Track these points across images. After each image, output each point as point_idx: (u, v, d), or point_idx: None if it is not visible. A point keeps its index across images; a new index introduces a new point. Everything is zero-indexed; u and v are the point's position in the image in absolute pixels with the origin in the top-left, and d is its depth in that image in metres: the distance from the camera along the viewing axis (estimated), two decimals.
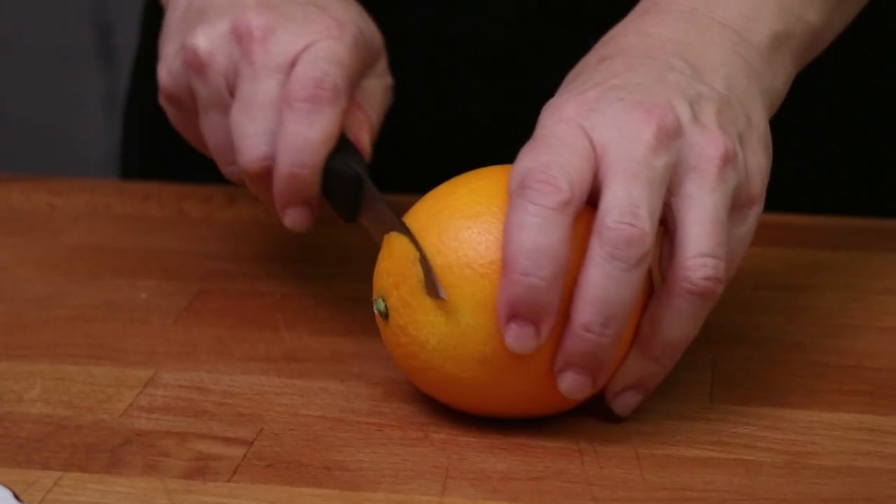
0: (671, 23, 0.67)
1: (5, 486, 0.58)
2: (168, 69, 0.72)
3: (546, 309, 0.60)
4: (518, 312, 0.60)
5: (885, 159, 0.90)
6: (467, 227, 0.62)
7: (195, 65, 0.70)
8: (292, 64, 0.69)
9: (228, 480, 0.60)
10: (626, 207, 0.60)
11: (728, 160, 0.62)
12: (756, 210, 0.64)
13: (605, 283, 0.59)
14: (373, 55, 0.73)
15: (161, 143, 0.96)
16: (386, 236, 0.65)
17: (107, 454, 0.62)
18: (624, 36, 0.67)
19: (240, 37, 0.69)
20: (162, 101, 0.74)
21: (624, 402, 0.64)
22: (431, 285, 0.62)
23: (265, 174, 0.69)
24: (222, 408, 0.65)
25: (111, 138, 1.95)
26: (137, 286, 0.77)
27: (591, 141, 0.61)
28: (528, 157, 0.61)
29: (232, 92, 0.70)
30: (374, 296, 0.65)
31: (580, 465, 0.61)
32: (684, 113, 0.62)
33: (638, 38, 0.66)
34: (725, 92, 0.65)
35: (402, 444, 0.63)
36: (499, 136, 0.89)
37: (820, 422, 0.65)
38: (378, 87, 0.74)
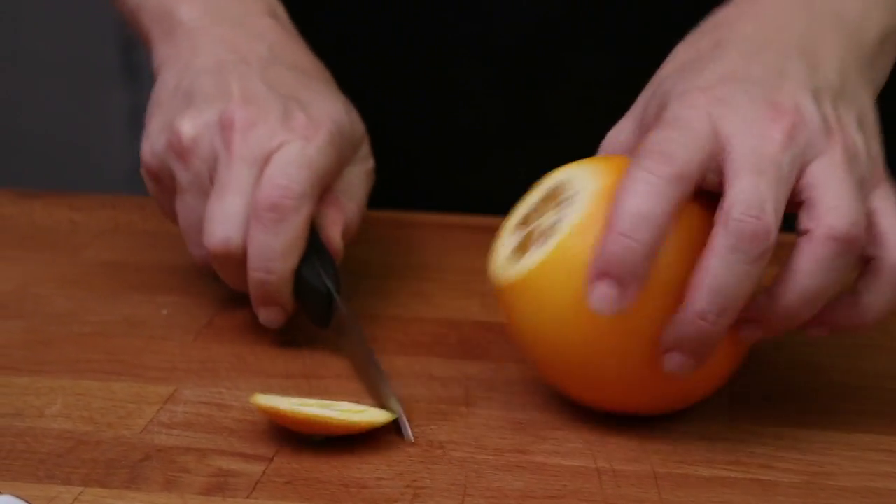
0: (787, 11, 0.67)
1: (26, 501, 0.58)
2: (151, 147, 0.75)
3: (635, 273, 0.60)
4: (608, 271, 0.60)
5: None
6: None
7: (178, 149, 0.73)
8: (266, 159, 0.71)
9: (248, 497, 0.60)
10: (753, 201, 0.60)
11: (852, 151, 0.63)
12: (886, 188, 0.64)
13: (725, 273, 0.60)
14: (353, 146, 0.76)
15: None
16: None
17: (127, 470, 0.62)
18: (739, 19, 0.67)
19: (223, 127, 0.72)
20: (143, 172, 0.76)
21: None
22: (402, 427, 0.65)
23: (227, 257, 0.71)
24: (242, 424, 0.65)
25: (134, 154, 1.95)
26: (158, 302, 0.78)
27: (716, 130, 0.62)
28: (655, 133, 0.62)
29: (212, 181, 0.73)
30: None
31: (598, 484, 0.61)
32: (809, 109, 0.63)
33: (753, 25, 0.67)
34: (839, 82, 0.65)
35: (421, 461, 0.63)
36: (506, 143, 0.89)
37: (838, 442, 0.65)
38: (359, 173, 0.76)
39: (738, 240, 0.60)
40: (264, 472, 0.62)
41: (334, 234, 0.73)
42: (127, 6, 0.82)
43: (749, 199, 0.60)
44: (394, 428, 0.65)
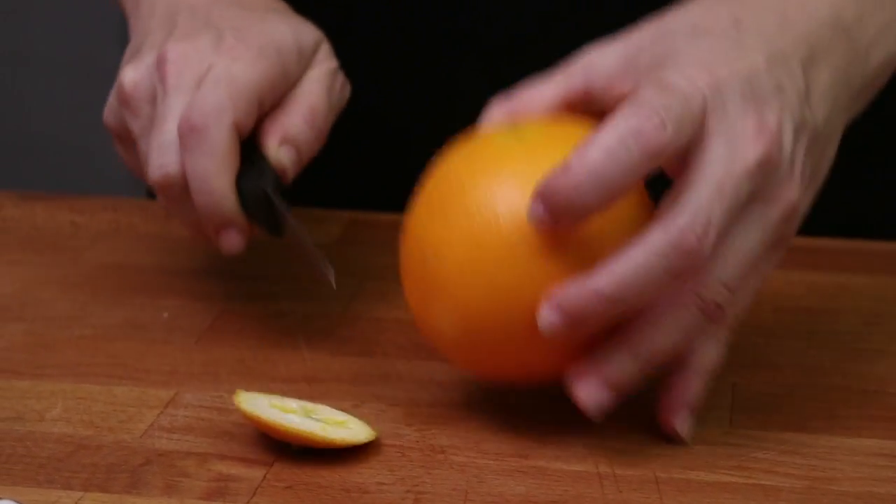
0: (811, 18, 0.66)
1: None
2: (108, 107, 0.75)
3: (571, 216, 0.60)
4: (546, 199, 0.59)
5: None
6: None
7: (123, 98, 0.73)
8: (198, 85, 0.71)
9: (248, 502, 0.60)
10: (703, 219, 0.59)
11: (794, 212, 0.63)
12: (780, 256, 0.64)
13: (640, 270, 0.59)
14: (300, 55, 0.74)
15: None
16: None
17: (127, 474, 0.62)
18: (764, 5, 0.66)
19: (158, 65, 0.72)
20: (113, 142, 0.77)
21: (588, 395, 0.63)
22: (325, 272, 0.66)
23: (169, 187, 0.71)
24: (243, 429, 0.65)
25: None
26: (159, 306, 0.78)
27: (704, 119, 0.61)
28: (651, 91, 0.61)
29: None
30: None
31: (599, 489, 0.61)
32: (787, 144, 0.62)
33: (775, 19, 0.65)
34: (822, 126, 0.65)
35: (422, 466, 0.63)
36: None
37: (841, 447, 0.65)
38: (317, 76, 0.75)
39: (671, 248, 0.59)
40: (265, 476, 0.62)
41: (270, 143, 0.72)
42: None
43: (699, 215, 0.59)
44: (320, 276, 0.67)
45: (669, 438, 0.64)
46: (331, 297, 0.79)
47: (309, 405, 0.65)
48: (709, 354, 0.64)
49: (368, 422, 0.65)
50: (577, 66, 0.66)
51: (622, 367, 0.62)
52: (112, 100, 0.75)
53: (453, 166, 0.65)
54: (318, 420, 0.63)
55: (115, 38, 1.92)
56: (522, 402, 0.68)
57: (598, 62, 0.65)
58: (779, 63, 0.64)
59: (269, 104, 0.73)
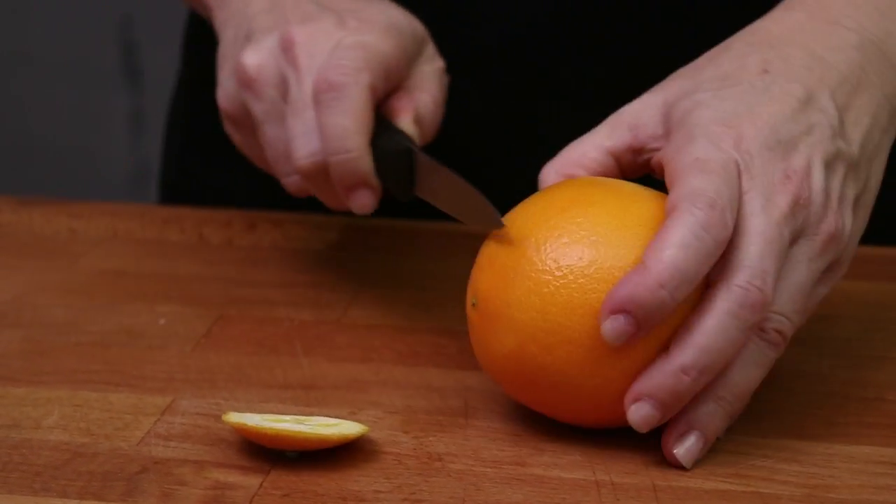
0: (839, 47, 0.67)
1: None
2: (224, 91, 0.76)
3: (654, 322, 0.61)
4: (630, 310, 0.61)
5: None
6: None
7: (246, 81, 0.73)
8: None
9: None
10: (758, 271, 0.61)
11: (835, 239, 0.64)
12: (838, 277, 0.66)
13: (718, 335, 0.61)
14: (415, 42, 0.76)
15: (203, 167, 0.97)
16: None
17: (123, 482, 0.62)
18: (790, 42, 0.67)
19: (285, 48, 0.73)
20: (225, 124, 0.77)
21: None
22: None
23: (317, 171, 0.72)
24: (239, 436, 0.65)
25: (135, 157, 1.95)
26: (156, 312, 0.78)
27: (739, 180, 0.63)
28: (697, 177, 0.62)
29: (285, 99, 0.73)
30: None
31: (597, 496, 0.61)
32: (817, 182, 0.64)
33: (803, 56, 0.67)
34: (858, 153, 0.66)
35: (419, 473, 0.63)
36: (502, 153, 0.89)
37: (839, 455, 0.65)
38: (430, 71, 0.76)
39: (739, 306, 0.61)
40: (261, 484, 0.62)
41: (405, 116, 0.73)
42: None
43: (755, 269, 0.61)
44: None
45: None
46: (328, 303, 0.79)
47: (300, 417, 0.65)
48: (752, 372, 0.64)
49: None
50: (623, 122, 0.68)
51: (711, 414, 0.63)
52: (229, 84, 0.75)
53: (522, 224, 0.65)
54: (310, 425, 0.63)
55: (112, 40, 1.93)
56: (520, 409, 0.67)
57: (640, 119, 0.67)
58: (807, 104, 0.65)
59: (395, 80, 0.74)
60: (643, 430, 0.62)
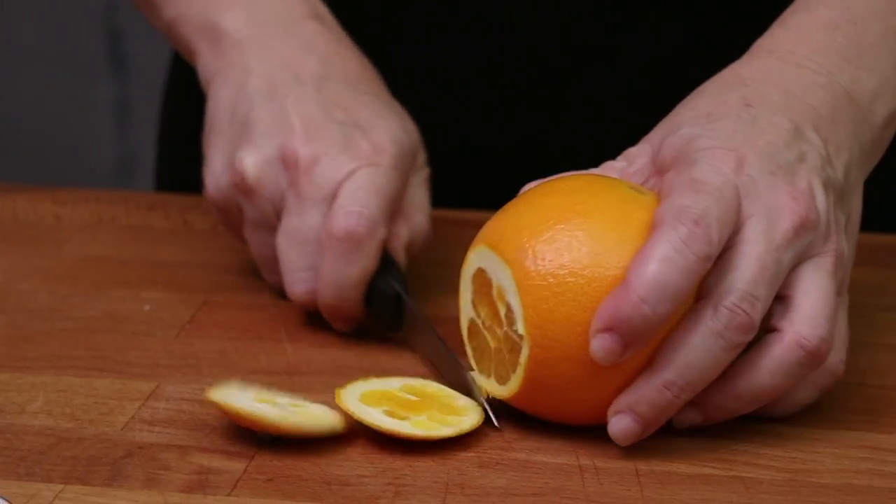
0: (811, 87, 0.68)
1: (6, 498, 0.58)
2: (216, 184, 0.75)
3: (642, 340, 0.61)
4: (616, 328, 0.61)
5: (889, 175, 0.90)
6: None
7: (243, 189, 0.73)
8: (334, 194, 0.71)
9: (229, 494, 0.60)
10: (748, 295, 0.62)
11: (840, 258, 0.65)
12: (843, 301, 0.67)
13: (702, 353, 0.61)
14: (413, 157, 0.75)
15: (194, 155, 0.97)
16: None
17: (108, 467, 0.62)
18: (765, 83, 0.68)
19: (286, 165, 0.72)
20: (209, 203, 0.76)
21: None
22: (489, 416, 0.65)
23: (312, 302, 0.72)
24: (224, 421, 0.65)
25: (121, 145, 1.95)
26: (141, 298, 0.78)
27: (740, 205, 0.63)
28: (689, 196, 0.62)
29: (279, 216, 0.73)
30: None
31: (580, 481, 0.61)
32: (821, 203, 0.65)
33: (779, 94, 0.68)
34: (843, 183, 0.67)
35: (403, 458, 0.63)
36: (517, 161, 0.89)
37: (821, 439, 0.65)
38: (419, 183, 0.76)
39: (725, 327, 0.61)
40: (246, 469, 0.62)
41: (397, 246, 0.74)
42: (163, 19, 0.81)
43: (744, 291, 0.62)
44: (484, 421, 0.65)
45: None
46: None
47: (291, 401, 0.65)
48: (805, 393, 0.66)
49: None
50: (613, 167, 0.68)
51: (731, 412, 0.64)
52: (224, 180, 0.74)
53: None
54: (287, 407, 0.63)
55: (97, 27, 1.92)
56: None
57: (632, 166, 0.68)
58: (794, 134, 0.66)
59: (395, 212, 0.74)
60: (623, 443, 0.63)
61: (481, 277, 0.65)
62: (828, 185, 0.66)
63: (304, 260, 0.72)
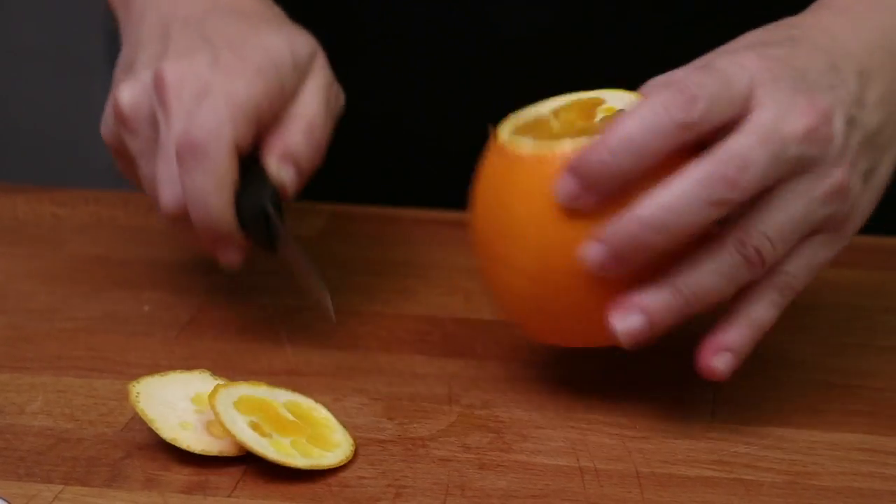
0: (861, 40, 0.67)
1: (5, 499, 0.58)
2: (104, 123, 0.75)
3: (599, 187, 0.61)
4: (578, 172, 0.61)
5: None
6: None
7: (121, 118, 0.72)
8: (198, 105, 0.70)
9: (229, 496, 0.60)
10: (743, 158, 0.61)
11: (842, 192, 0.63)
12: (840, 243, 0.65)
13: (683, 198, 0.61)
14: (296, 71, 0.74)
15: None
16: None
17: (107, 468, 0.62)
18: (815, 26, 0.67)
19: (157, 88, 0.71)
20: (110, 153, 0.76)
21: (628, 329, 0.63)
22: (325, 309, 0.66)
23: (181, 217, 0.71)
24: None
25: None
26: (141, 298, 0.78)
27: (751, 94, 0.62)
28: (690, 70, 0.62)
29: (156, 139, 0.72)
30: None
31: (580, 483, 0.61)
32: (838, 127, 0.63)
33: (828, 38, 0.67)
34: (875, 131, 0.66)
35: (403, 460, 0.63)
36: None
37: (822, 442, 0.65)
38: (312, 89, 0.74)
39: (711, 178, 0.61)
40: (245, 470, 0.62)
41: (271, 161, 0.72)
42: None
43: (740, 155, 0.61)
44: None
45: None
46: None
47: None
48: (758, 309, 0.64)
49: (350, 415, 0.66)
50: (660, 83, 0.66)
51: (663, 299, 0.63)
52: (108, 117, 0.74)
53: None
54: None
55: (98, 30, 1.92)
56: (503, 395, 0.68)
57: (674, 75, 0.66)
58: (832, 69, 0.65)
59: (268, 120, 0.72)
60: (595, 271, 0.62)
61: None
62: (852, 121, 0.64)
63: (167, 171, 0.70)
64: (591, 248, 0.62)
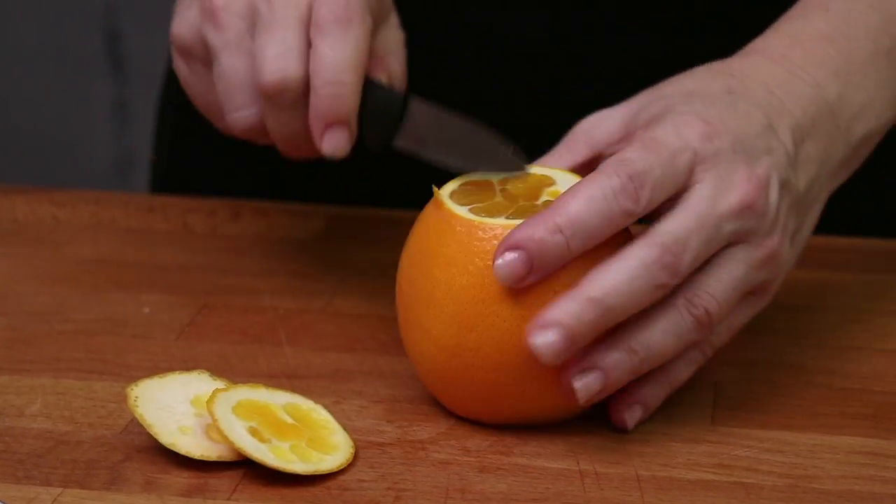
0: (796, 94, 0.69)
1: (4, 502, 0.58)
2: (183, 20, 0.73)
3: (545, 265, 0.61)
4: (525, 248, 0.61)
5: (888, 180, 0.90)
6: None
7: (211, 10, 0.71)
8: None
9: (228, 499, 0.60)
10: (679, 242, 0.62)
11: (774, 259, 0.65)
12: (763, 304, 0.67)
13: (626, 280, 0.61)
14: (384, 5, 0.74)
15: (189, 155, 0.97)
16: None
17: (107, 470, 0.62)
18: (751, 78, 0.69)
19: None
20: (174, 56, 0.74)
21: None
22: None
23: (283, 92, 0.69)
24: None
25: (119, 146, 1.95)
26: (140, 300, 0.77)
27: (692, 170, 0.64)
28: (638, 151, 0.63)
29: (250, 32, 0.71)
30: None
31: (581, 486, 0.61)
32: (773, 197, 0.65)
33: (763, 92, 0.68)
34: (804, 192, 0.68)
35: (403, 463, 0.63)
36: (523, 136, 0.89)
37: (822, 445, 0.65)
38: (395, 38, 0.75)
39: (653, 262, 0.61)
40: (245, 473, 0.61)
41: (382, 76, 0.72)
42: None
43: (677, 238, 0.62)
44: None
45: (634, 432, 0.65)
46: (312, 293, 0.79)
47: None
48: (679, 368, 0.66)
49: (349, 418, 0.65)
50: (579, 137, 0.69)
51: (619, 359, 0.63)
52: (191, 14, 0.72)
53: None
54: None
55: (98, 30, 1.92)
56: None
57: (597, 129, 0.69)
58: (768, 130, 0.66)
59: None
60: (548, 360, 0.61)
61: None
62: (785, 185, 0.66)
63: (279, 45, 0.69)
64: (545, 334, 0.61)
